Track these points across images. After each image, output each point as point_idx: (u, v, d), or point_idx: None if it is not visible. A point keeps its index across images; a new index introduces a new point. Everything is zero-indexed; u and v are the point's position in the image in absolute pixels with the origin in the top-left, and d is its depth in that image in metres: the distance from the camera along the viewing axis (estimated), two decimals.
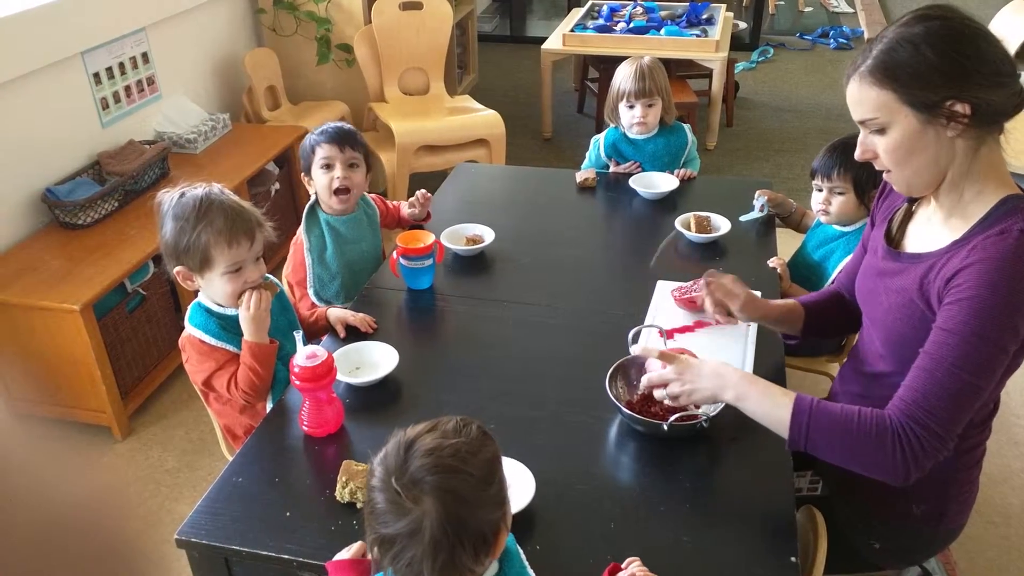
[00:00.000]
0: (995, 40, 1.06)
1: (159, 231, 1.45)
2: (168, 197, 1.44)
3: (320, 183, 1.80)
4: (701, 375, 1.20)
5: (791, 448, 1.14)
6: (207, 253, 1.40)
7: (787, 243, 2.09)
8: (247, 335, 1.44)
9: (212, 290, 1.46)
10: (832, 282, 1.56)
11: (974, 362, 1.04)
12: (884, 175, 1.17)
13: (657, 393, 1.26)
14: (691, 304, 1.61)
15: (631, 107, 2.23)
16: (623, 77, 2.23)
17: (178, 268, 1.44)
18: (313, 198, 1.85)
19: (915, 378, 1.08)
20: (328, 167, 1.78)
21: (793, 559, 1.09)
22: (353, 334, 1.59)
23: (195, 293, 1.52)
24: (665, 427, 1.26)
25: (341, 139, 1.79)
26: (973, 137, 1.07)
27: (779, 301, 1.48)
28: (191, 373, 1.51)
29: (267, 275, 1.53)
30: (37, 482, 0.35)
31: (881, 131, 1.10)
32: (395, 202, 2.05)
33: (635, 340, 1.44)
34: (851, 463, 1.11)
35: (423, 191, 1.99)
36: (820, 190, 1.84)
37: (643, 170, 2.28)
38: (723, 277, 1.45)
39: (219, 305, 1.48)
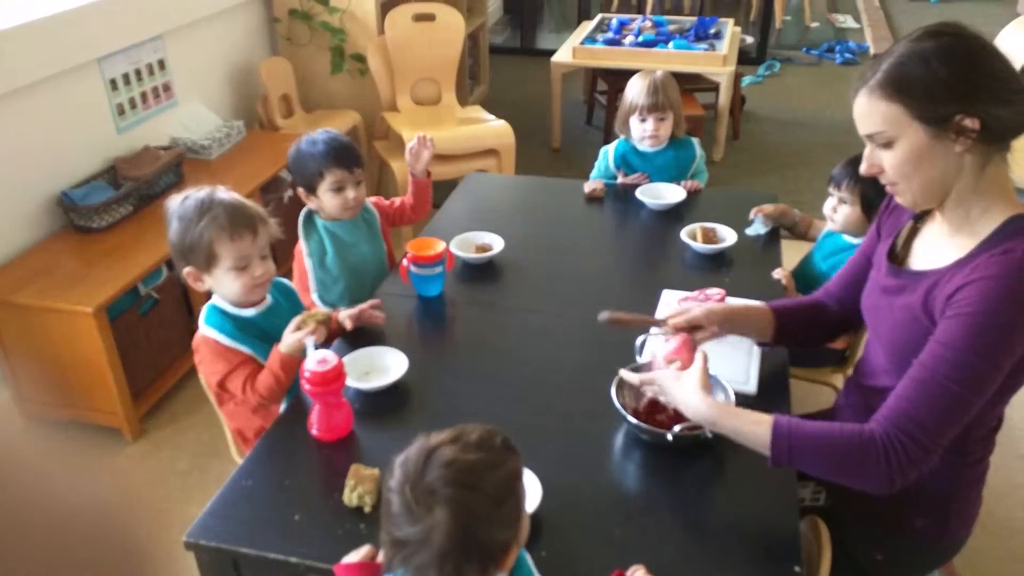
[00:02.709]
0: (1004, 58, 1.07)
1: (166, 232, 1.48)
2: (174, 201, 1.47)
3: (332, 204, 1.81)
4: (678, 403, 1.23)
5: (774, 466, 1.14)
6: (211, 249, 1.43)
7: (793, 254, 2.11)
8: (284, 346, 1.45)
9: (221, 288, 1.48)
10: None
11: (967, 377, 1.05)
12: (889, 188, 1.17)
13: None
14: None
15: (643, 120, 2.25)
16: (636, 91, 2.25)
17: (187, 269, 1.47)
18: (311, 205, 1.86)
19: (906, 388, 1.09)
20: (340, 190, 1.80)
21: (797, 569, 1.10)
22: (363, 339, 1.61)
23: (207, 296, 1.54)
24: (669, 437, 1.27)
25: (349, 160, 1.80)
26: (980, 153, 1.08)
27: (750, 304, 1.46)
28: (205, 374, 1.53)
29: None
30: (47, 484, 0.35)
31: (888, 145, 1.10)
32: (396, 199, 2.06)
33: (641, 348, 1.46)
34: (836, 476, 1.13)
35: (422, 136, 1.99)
36: (831, 196, 1.89)
37: (651, 182, 2.30)
38: (682, 315, 1.38)
39: (234, 306, 1.51)
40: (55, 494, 0.35)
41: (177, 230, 1.44)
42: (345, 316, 1.59)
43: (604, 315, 1.38)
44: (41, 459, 0.36)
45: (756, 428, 1.14)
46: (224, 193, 1.47)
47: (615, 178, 2.36)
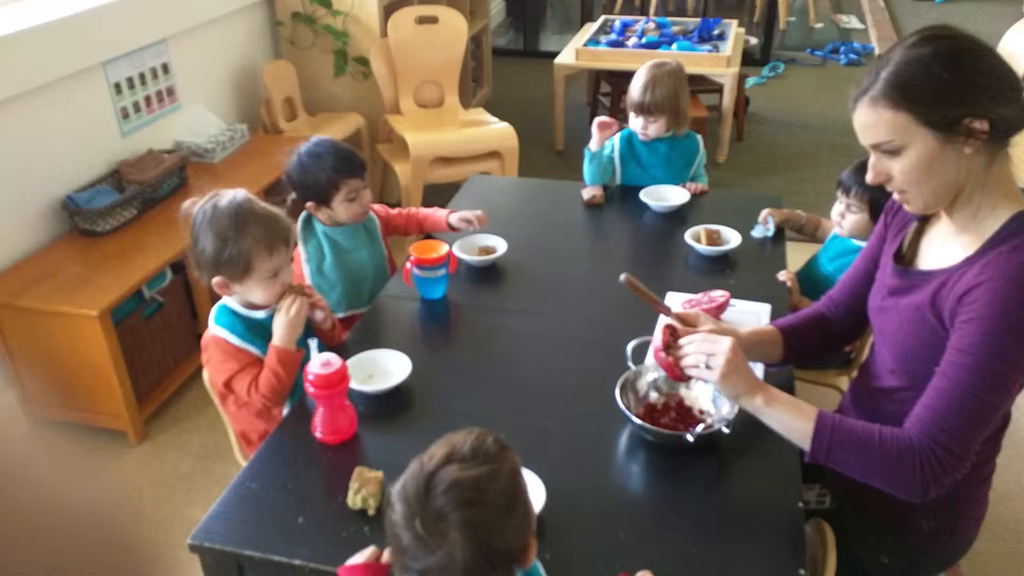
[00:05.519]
0: (1000, 56, 1.08)
1: (194, 244, 1.47)
2: (200, 210, 1.47)
3: (347, 213, 1.82)
4: (730, 368, 1.17)
5: (811, 461, 1.14)
6: (249, 262, 1.44)
7: (799, 255, 2.10)
8: (277, 339, 1.47)
9: (251, 295, 1.50)
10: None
11: (991, 382, 1.05)
12: (897, 196, 1.16)
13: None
14: None
15: (636, 117, 2.27)
16: (635, 86, 2.25)
17: (218, 279, 1.47)
18: (320, 216, 1.86)
19: (932, 398, 1.09)
20: (355, 198, 1.82)
21: (802, 572, 1.09)
22: (367, 342, 1.61)
23: (215, 299, 1.55)
24: (690, 438, 1.25)
25: (358, 167, 1.82)
26: (987, 152, 1.08)
27: (753, 329, 1.42)
28: (212, 374, 1.53)
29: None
30: (50, 486, 0.35)
31: (896, 153, 1.09)
32: (407, 208, 2.06)
33: (635, 353, 1.44)
34: (871, 479, 1.12)
35: (479, 213, 1.96)
36: (839, 201, 1.88)
37: (654, 169, 2.29)
38: (693, 313, 1.37)
39: (247, 308, 1.52)
40: (58, 496, 0.35)
41: (212, 242, 1.44)
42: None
43: (624, 276, 1.35)
44: (45, 461, 0.36)
45: (799, 415, 1.13)
46: (250, 202, 1.48)
47: (613, 169, 2.34)
